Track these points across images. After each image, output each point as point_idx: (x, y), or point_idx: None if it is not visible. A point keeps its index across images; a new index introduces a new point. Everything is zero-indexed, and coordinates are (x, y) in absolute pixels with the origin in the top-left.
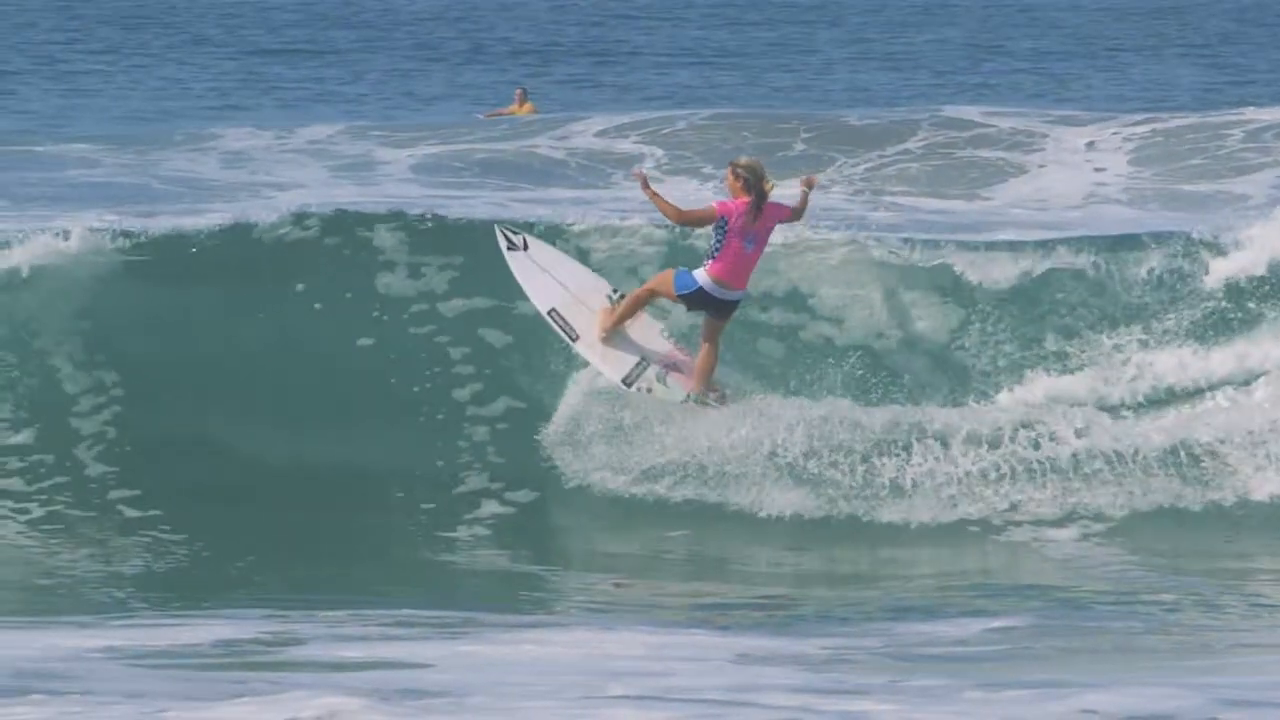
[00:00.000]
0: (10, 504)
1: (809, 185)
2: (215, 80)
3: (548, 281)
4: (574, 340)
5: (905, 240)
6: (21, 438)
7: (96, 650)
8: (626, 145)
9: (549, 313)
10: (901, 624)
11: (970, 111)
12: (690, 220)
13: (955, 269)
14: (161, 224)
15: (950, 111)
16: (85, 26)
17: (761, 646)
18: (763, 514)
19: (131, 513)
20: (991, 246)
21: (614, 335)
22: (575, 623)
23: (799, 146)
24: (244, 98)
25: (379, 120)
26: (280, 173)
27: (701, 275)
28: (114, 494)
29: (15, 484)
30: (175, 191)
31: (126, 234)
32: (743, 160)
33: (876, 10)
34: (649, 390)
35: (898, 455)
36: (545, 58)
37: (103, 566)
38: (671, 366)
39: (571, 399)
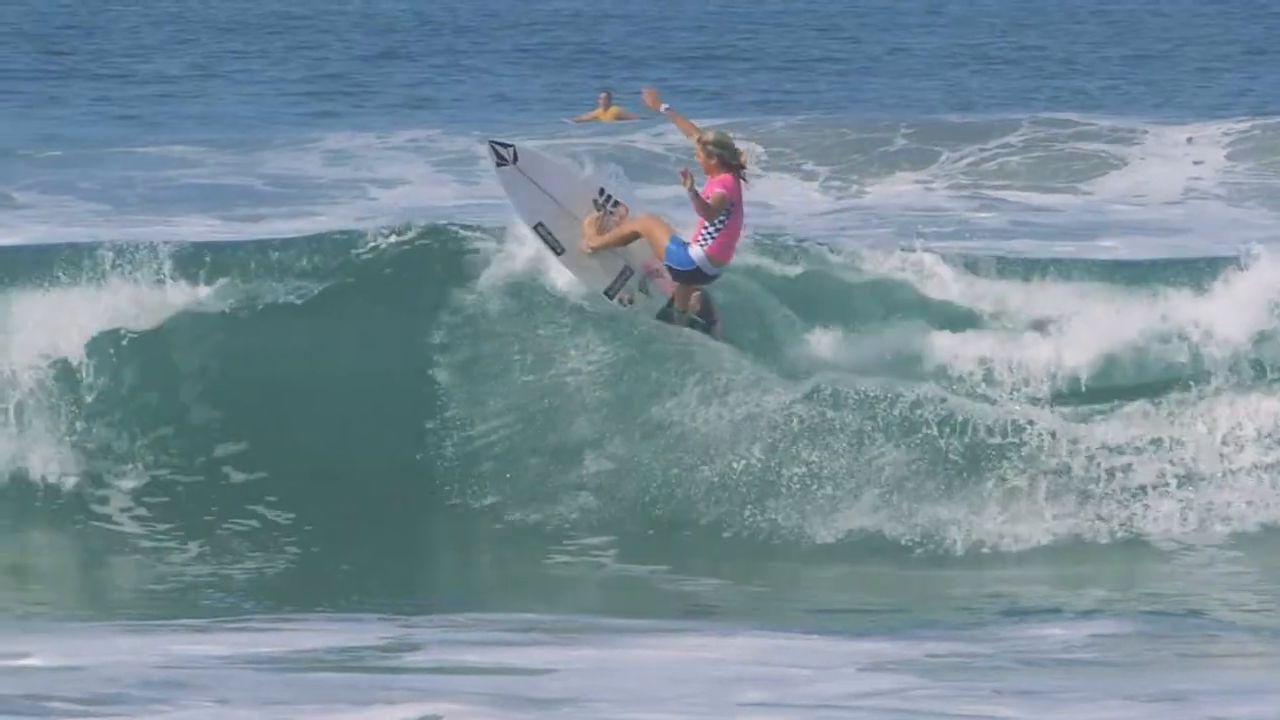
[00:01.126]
0: (124, 506)
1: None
2: (310, 85)
3: (534, 194)
4: (559, 254)
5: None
6: (140, 443)
7: (218, 656)
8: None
9: (535, 227)
10: (1019, 628)
11: (1069, 112)
12: (713, 214)
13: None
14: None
15: (1049, 114)
16: (186, 31)
17: (882, 651)
18: (865, 516)
19: (243, 516)
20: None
21: (590, 245)
22: (687, 628)
23: (900, 142)
24: (338, 104)
25: (474, 124)
26: (382, 169)
27: (698, 254)
28: (224, 498)
29: (130, 487)
30: (281, 193)
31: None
32: (710, 135)
33: (968, 21)
34: (630, 301)
35: (1013, 461)
36: (636, 62)
37: (215, 570)
38: (655, 272)
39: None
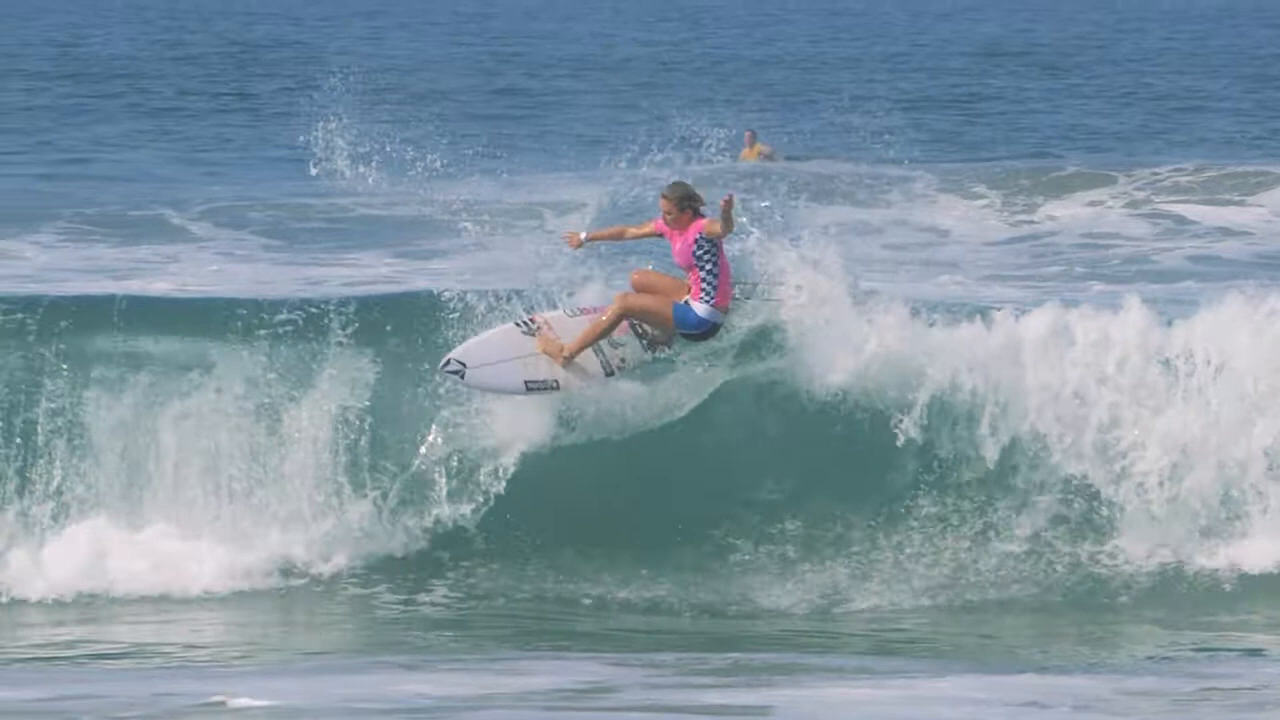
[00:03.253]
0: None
1: (727, 204)
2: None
3: (498, 371)
4: (558, 389)
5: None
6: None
7: (427, 695)
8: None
9: (527, 390)
10: (1215, 665)
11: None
12: (728, 230)
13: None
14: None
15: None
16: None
17: (1091, 688)
18: (1073, 549)
19: (452, 555)
20: None
21: (570, 350)
22: (890, 668)
23: (1070, 169)
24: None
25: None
26: (560, 193)
27: (707, 310)
28: (431, 538)
29: (324, 530)
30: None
31: None
32: (670, 189)
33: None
34: (623, 363)
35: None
36: (765, 99)
37: (419, 610)
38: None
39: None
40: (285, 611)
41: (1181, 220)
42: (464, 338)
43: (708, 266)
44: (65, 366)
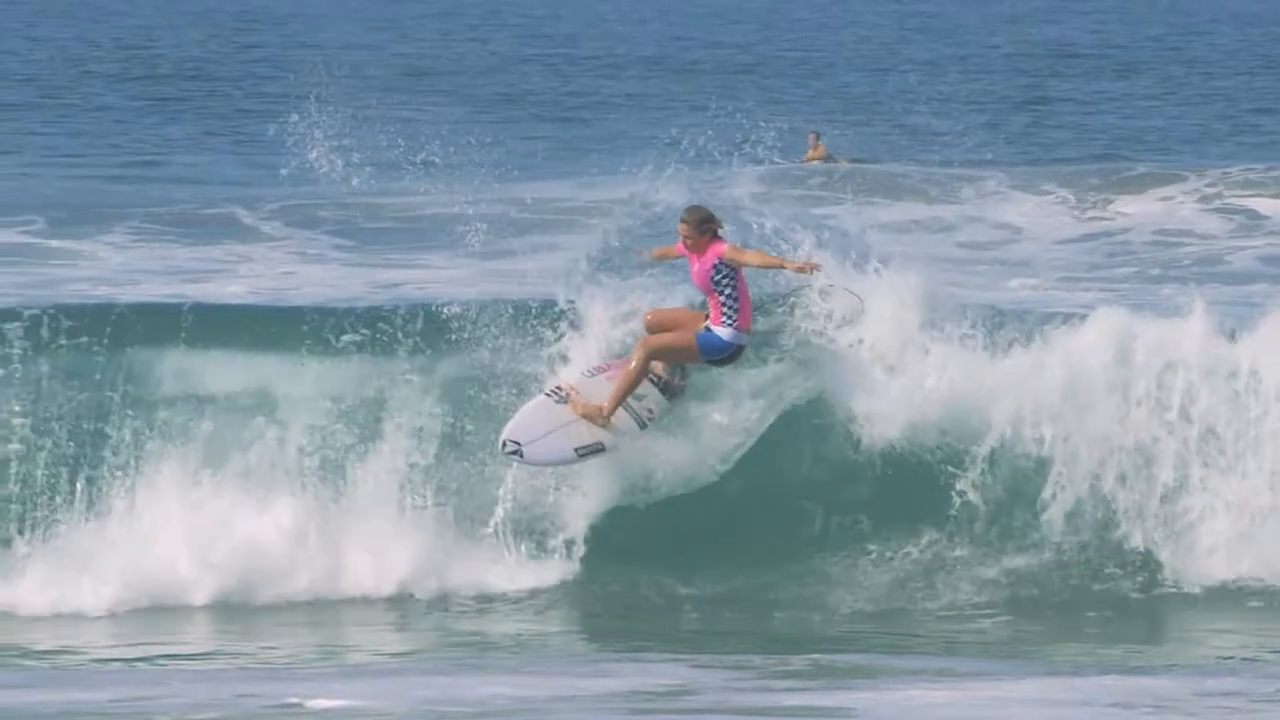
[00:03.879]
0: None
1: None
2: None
3: (550, 444)
4: (605, 450)
5: None
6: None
7: (510, 697)
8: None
9: (578, 455)
10: None
11: None
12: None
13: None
14: None
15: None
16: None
17: (1167, 688)
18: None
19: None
20: None
21: (608, 410)
22: (970, 670)
23: (1140, 169)
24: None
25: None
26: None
27: (732, 334)
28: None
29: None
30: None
31: None
32: (688, 213)
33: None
34: (650, 414)
35: None
36: (828, 102)
37: (503, 614)
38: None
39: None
40: (363, 614)
41: (1254, 215)
42: (514, 405)
43: (727, 291)
44: (160, 372)
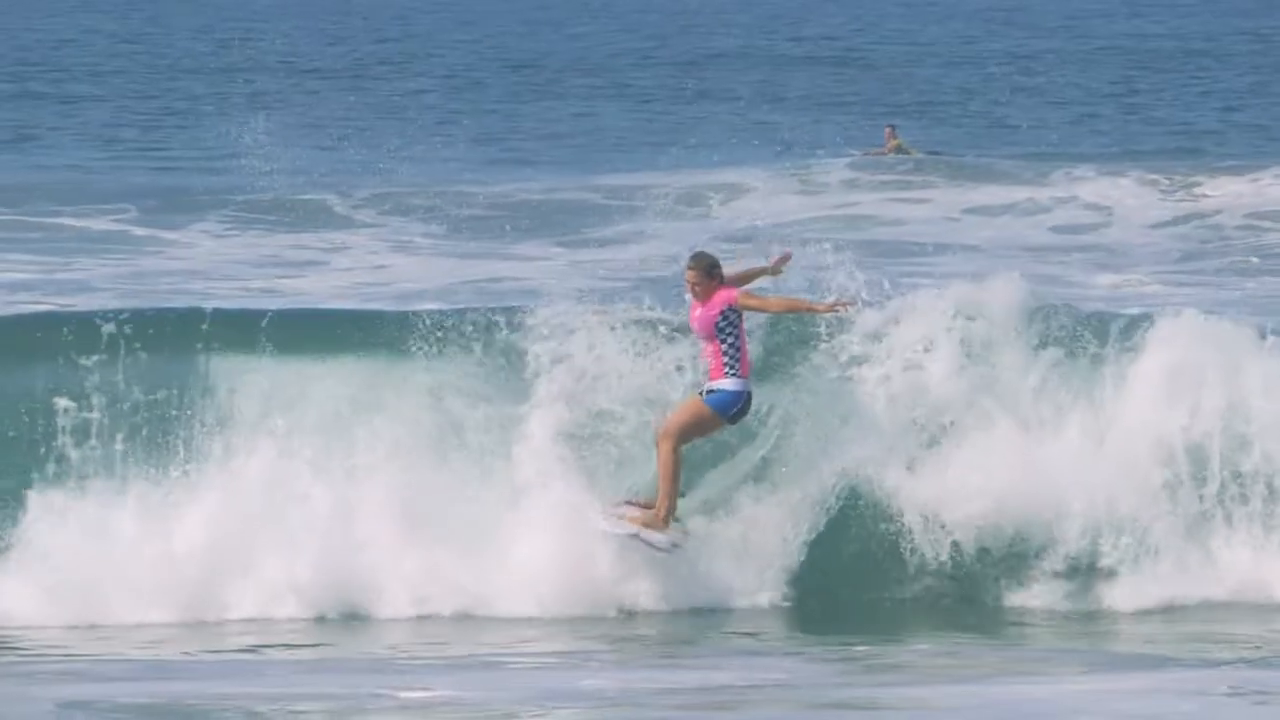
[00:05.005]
0: None
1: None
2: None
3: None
4: (684, 542)
5: None
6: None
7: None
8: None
9: (673, 549)
10: None
11: None
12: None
13: None
14: None
15: None
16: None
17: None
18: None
19: None
20: None
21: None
22: (1077, 665)
23: (1229, 160)
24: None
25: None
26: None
27: (738, 384)
28: None
29: None
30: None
31: None
32: (695, 260)
33: None
34: (686, 533)
35: None
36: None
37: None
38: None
39: None
40: (469, 609)
41: None
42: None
43: (730, 339)
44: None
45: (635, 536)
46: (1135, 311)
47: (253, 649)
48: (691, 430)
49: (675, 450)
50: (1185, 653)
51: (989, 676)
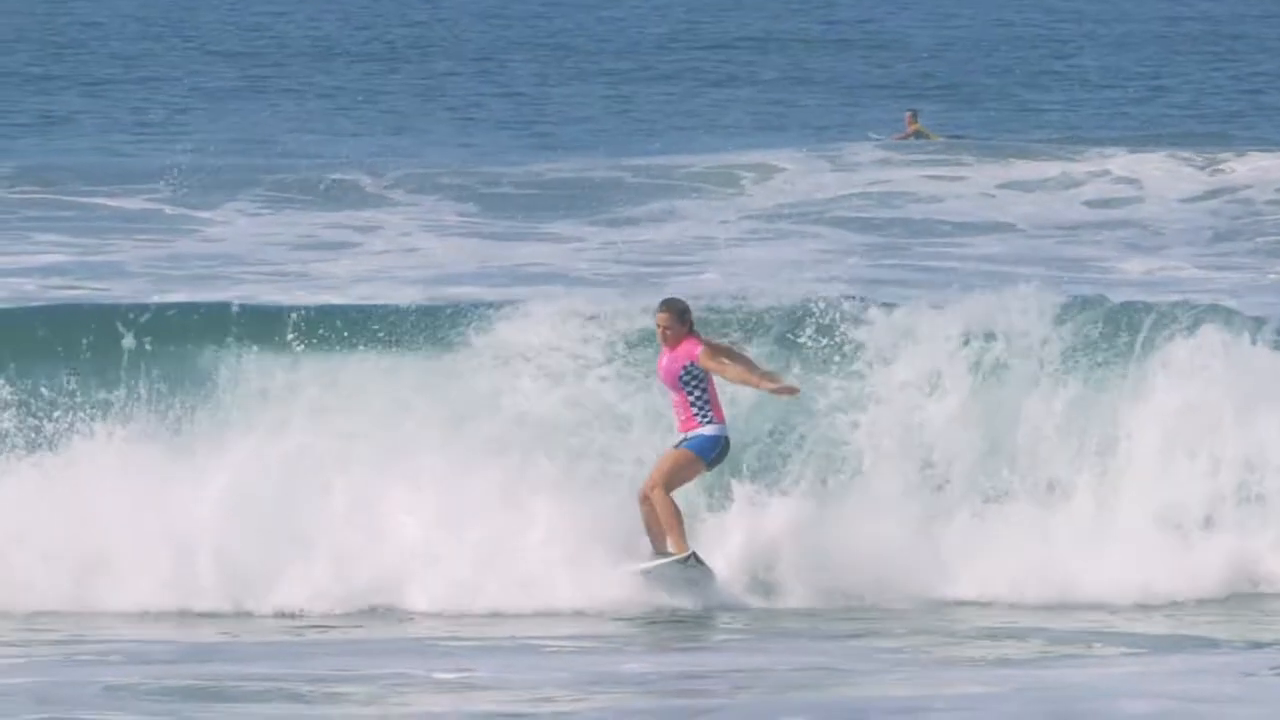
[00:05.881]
0: None
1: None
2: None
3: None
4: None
5: None
6: None
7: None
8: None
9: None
10: None
11: None
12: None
13: None
14: None
15: None
16: None
17: None
18: None
19: None
20: None
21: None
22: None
23: (1257, 144)
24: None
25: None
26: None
27: (715, 429)
28: None
29: None
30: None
31: None
32: (667, 305)
33: None
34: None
35: None
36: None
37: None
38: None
39: None
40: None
41: None
42: None
43: (695, 392)
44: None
45: (662, 565)
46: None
47: (295, 631)
48: (675, 478)
49: (668, 495)
50: (1231, 635)
51: (1030, 661)
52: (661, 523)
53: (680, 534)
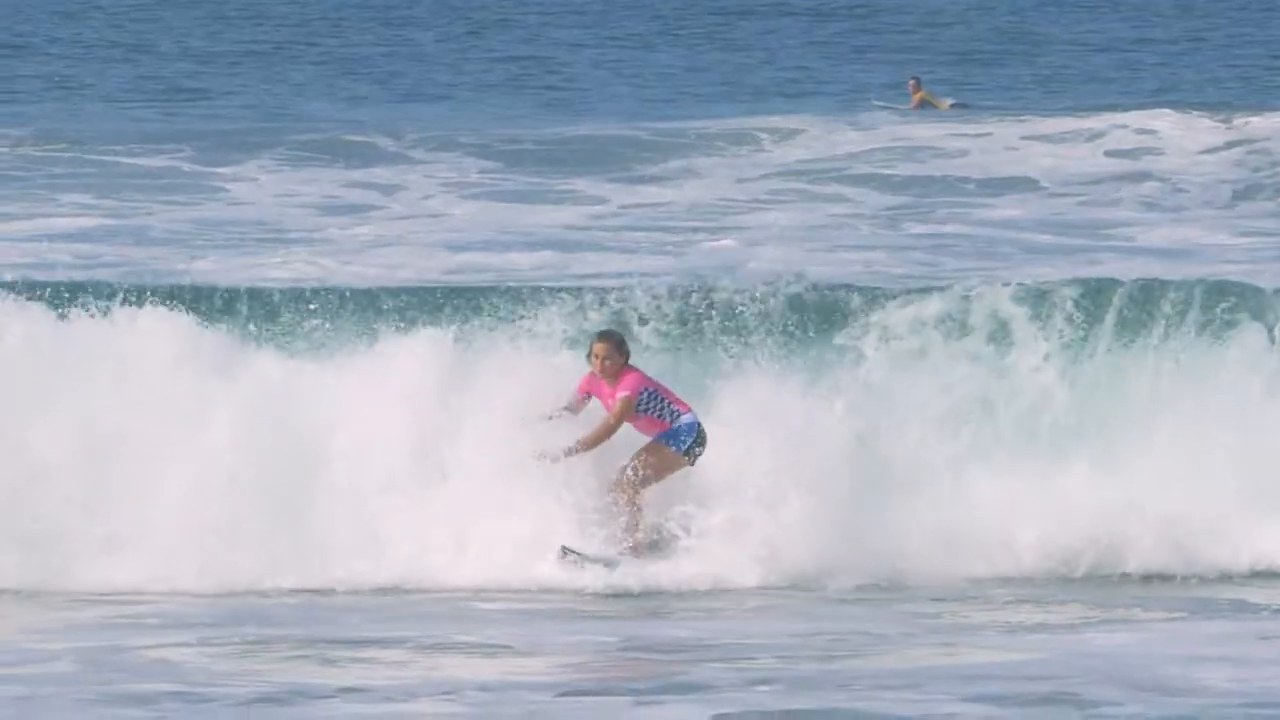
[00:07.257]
0: None
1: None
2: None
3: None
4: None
5: None
6: None
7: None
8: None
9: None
10: None
11: None
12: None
13: None
14: None
15: None
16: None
17: None
18: None
19: None
20: None
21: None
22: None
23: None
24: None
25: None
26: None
27: (689, 418)
28: None
29: None
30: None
31: None
32: (605, 335)
33: None
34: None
35: None
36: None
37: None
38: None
39: None
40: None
41: None
42: None
43: (654, 411)
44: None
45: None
46: None
47: (327, 592)
48: (651, 473)
49: (633, 501)
50: (1271, 599)
51: (1070, 626)
52: (624, 520)
53: (635, 532)
